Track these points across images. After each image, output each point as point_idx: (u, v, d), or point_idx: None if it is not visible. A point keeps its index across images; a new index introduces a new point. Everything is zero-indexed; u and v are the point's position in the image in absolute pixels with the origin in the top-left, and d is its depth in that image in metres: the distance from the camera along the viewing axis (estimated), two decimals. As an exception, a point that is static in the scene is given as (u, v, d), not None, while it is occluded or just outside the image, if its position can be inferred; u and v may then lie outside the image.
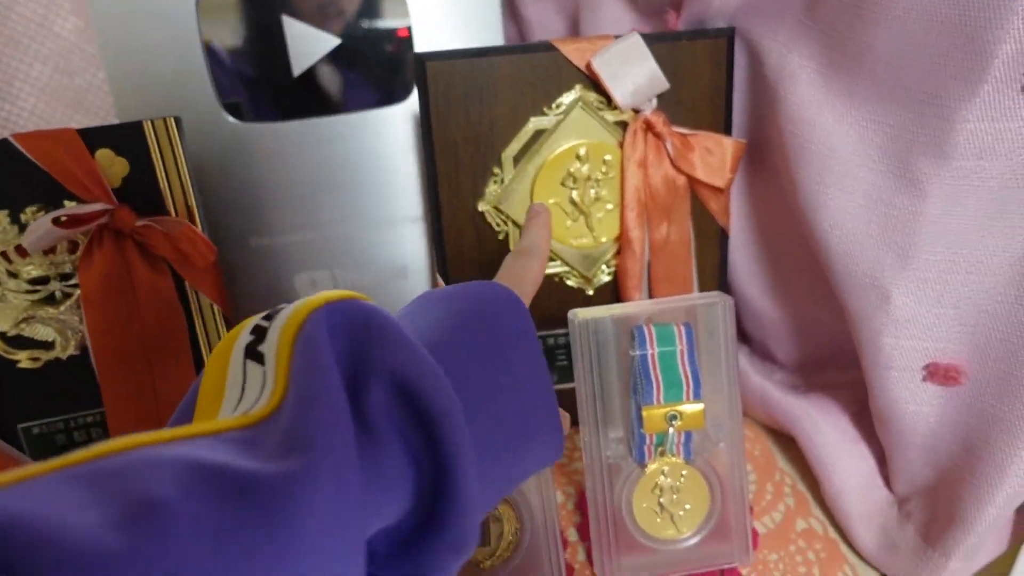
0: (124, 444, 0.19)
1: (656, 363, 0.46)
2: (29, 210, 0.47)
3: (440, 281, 0.53)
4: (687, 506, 0.47)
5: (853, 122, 0.43)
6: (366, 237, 0.66)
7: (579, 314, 0.45)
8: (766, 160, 0.53)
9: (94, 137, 0.47)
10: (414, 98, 0.62)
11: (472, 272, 0.53)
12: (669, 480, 0.47)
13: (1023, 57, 0.35)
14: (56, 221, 0.44)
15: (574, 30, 0.62)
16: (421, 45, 0.61)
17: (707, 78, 0.51)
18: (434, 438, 0.23)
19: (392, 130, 0.63)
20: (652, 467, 0.46)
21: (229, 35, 0.59)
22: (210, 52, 0.58)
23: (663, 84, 0.49)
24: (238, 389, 0.23)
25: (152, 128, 0.48)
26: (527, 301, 0.35)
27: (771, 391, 0.57)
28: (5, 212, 0.47)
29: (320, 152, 0.62)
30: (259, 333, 0.24)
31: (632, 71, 0.48)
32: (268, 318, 0.24)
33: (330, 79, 0.62)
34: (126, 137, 0.48)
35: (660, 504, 0.47)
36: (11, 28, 0.60)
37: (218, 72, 0.59)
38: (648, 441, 0.46)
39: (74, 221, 0.45)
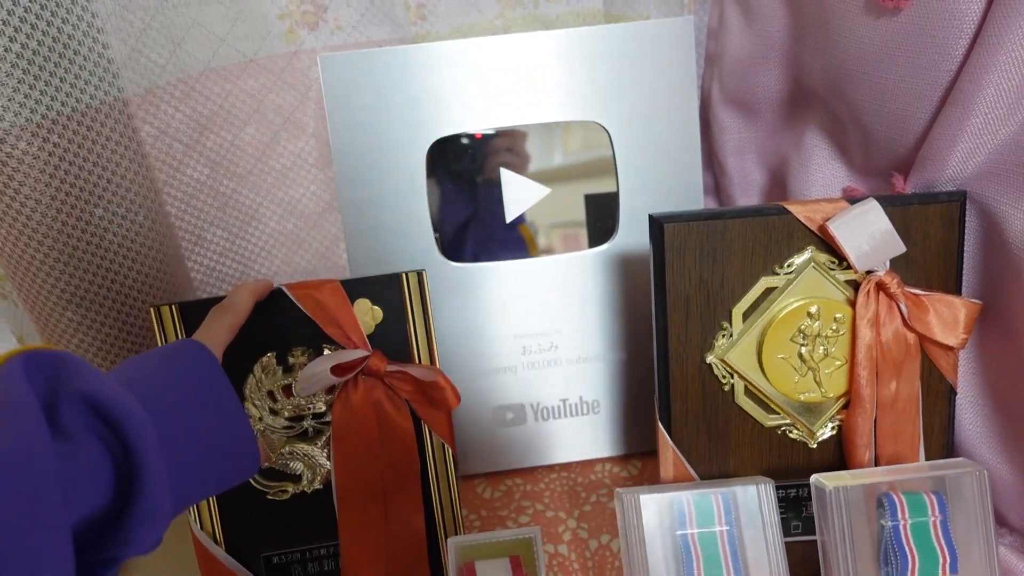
0: None
1: (909, 534, 0.45)
2: (297, 352, 0.51)
3: (662, 430, 0.54)
4: None
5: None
6: (560, 371, 0.68)
7: (828, 481, 0.45)
8: (1001, 318, 0.52)
9: (354, 287, 0.52)
10: (614, 241, 0.65)
11: (695, 423, 0.53)
12: (926, 662, 0.44)
13: None
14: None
15: (775, 183, 0.64)
16: (625, 195, 0.64)
17: (937, 239, 0.51)
18: (121, 436, 0.31)
19: (589, 270, 0.66)
20: (907, 646, 0.44)
21: (450, 183, 0.64)
22: (432, 197, 0.63)
23: (899, 248, 0.50)
24: None
25: (406, 280, 0.52)
26: (220, 346, 0.44)
27: (1006, 555, 0.53)
28: (273, 354, 0.52)
29: (523, 291, 0.65)
30: None
31: (869, 235, 0.49)
32: None
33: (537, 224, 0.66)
34: (384, 288, 0.52)
35: None
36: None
37: (436, 214, 0.63)
38: (901, 617, 0.44)
39: (342, 368, 0.49)
